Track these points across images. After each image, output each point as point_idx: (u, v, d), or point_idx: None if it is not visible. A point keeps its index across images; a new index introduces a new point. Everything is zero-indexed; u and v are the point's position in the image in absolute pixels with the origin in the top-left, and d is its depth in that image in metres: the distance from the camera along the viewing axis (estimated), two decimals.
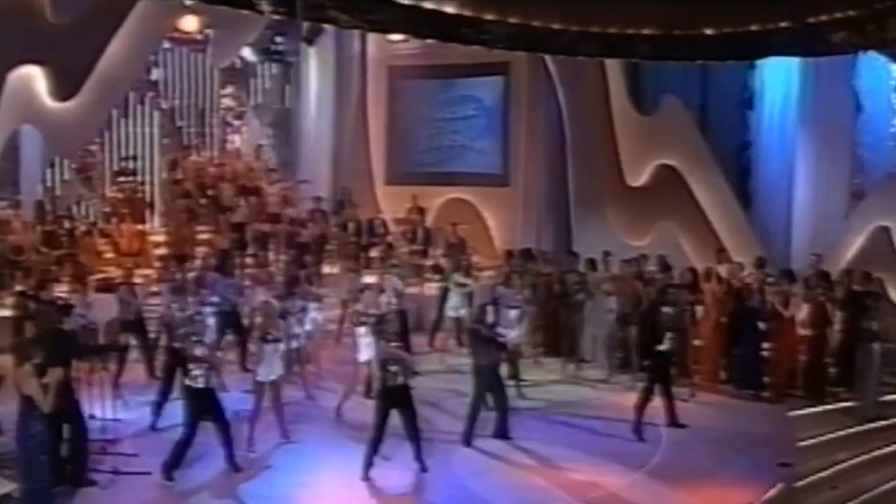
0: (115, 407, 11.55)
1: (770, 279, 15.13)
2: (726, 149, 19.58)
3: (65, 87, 18.63)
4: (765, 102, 19.35)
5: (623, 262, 16.19)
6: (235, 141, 22.53)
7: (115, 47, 18.73)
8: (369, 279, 16.17)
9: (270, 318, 11.63)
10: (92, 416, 10.96)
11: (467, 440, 11.81)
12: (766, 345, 14.35)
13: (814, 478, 11.37)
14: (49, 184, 19.97)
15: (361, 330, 12.24)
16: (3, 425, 10.52)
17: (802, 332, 14.30)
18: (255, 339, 11.55)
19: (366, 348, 11.76)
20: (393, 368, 10.41)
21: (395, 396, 10.44)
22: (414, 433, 10.63)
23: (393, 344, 10.56)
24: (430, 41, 19.47)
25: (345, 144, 22.99)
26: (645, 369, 12.61)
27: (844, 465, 11.84)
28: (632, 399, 12.67)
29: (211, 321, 12.91)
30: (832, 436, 12.73)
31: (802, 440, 12.46)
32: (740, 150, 20.01)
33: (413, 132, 23.11)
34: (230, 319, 14.43)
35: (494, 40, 16.74)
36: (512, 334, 13.38)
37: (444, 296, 16.41)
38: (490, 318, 11.93)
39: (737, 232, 18.79)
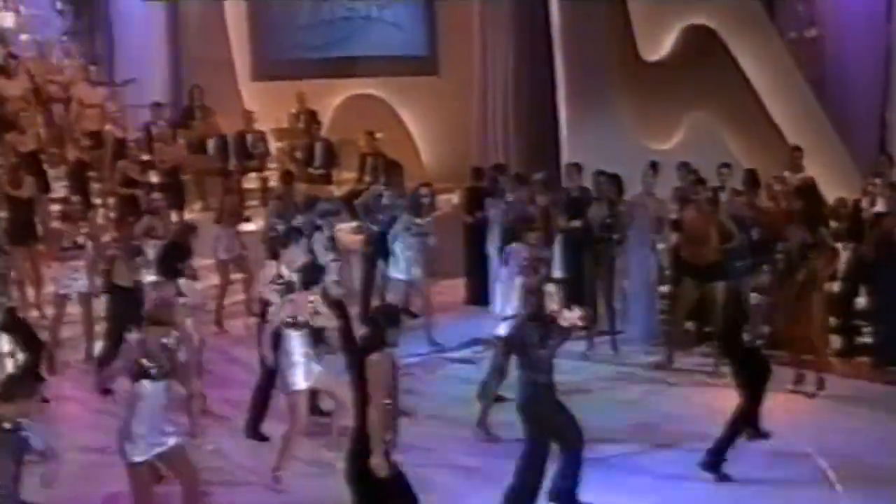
0: None
1: None
2: None
3: None
4: None
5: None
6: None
7: None
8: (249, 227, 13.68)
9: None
10: None
11: None
12: None
13: None
14: None
15: (291, 336, 8.85)
16: None
17: None
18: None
19: (303, 367, 8.80)
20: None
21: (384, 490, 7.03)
22: None
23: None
24: None
25: (187, 25, 19.11)
26: (735, 358, 9.45)
27: None
28: (698, 395, 10.65)
29: None
30: None
31: None
32: None
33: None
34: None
35: None
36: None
37: (377, 250, 12.89)
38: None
39: (808, 123, 15.33)
